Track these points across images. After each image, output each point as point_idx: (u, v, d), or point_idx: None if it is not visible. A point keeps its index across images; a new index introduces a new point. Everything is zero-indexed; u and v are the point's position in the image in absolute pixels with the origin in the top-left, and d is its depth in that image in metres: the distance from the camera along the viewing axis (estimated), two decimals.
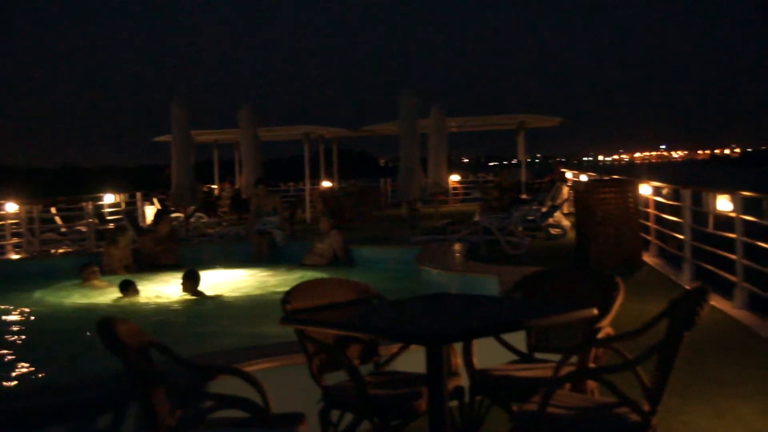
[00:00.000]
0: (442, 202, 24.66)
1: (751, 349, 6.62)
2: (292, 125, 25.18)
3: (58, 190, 36.53)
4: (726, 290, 8.55)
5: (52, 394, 4.34)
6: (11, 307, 10.19)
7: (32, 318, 9.79)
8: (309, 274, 10.59)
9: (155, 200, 20.71)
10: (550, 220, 15.60)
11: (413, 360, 4.15)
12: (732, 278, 8.40)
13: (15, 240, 16.16)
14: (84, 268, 11.08)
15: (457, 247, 11.63)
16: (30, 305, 10.27)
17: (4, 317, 9.88)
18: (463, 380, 4.21)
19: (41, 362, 7.45)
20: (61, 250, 16.17)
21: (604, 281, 4.22)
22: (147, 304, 9.97)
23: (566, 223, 16.00)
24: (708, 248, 9.62)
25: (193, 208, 17.35)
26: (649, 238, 12.44)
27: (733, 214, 8.53)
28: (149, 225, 15.72)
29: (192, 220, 17.48)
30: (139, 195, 20.58)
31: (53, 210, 18.90)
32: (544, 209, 15.74)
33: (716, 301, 8.34)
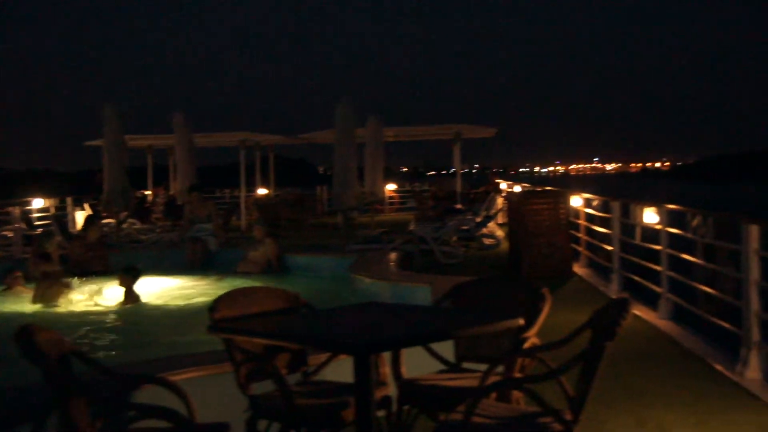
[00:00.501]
0: (378, 211, 24.71)
1: (674, 359, 6.77)
2: (229, 132, 25.00)
3: None
4: (652, 301, 8.75)
5: None
6: None
7: None
8: (242, 282, 10.52)
9: (86, 205, 20.28)
10: (484, 230, 15.76)
11: (342, 369, 4.15)
12: (657, 289, 8.60)
13: None
14: (7, 273, 10.81)
15: (391, 256, 11.67)
16: None
17: None
18: (391, 390, 4.22)
19: None
20: None
21: (532, 292, 4.28)
22: (73, 311, 9.75)
23: (500, 233, 16.18)
24: (635, 259, 9.84)
25: (125, 213, 17.05)
26: (579, 249, 12.67)
27: (659, 227, 8.73)
28: (79, 231, 15.38)
29: (124, 226, 17.18)
30: (69, 200, 20.13)
31: None
32: (478, 219, 15.89)
33: (642, 312, 8.53)
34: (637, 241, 9.64)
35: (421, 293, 7.86)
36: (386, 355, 4.27)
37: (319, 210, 27.63)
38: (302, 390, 4.22)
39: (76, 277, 11.72)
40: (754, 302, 6.17)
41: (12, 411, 4.03)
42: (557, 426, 3.43)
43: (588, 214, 12.56)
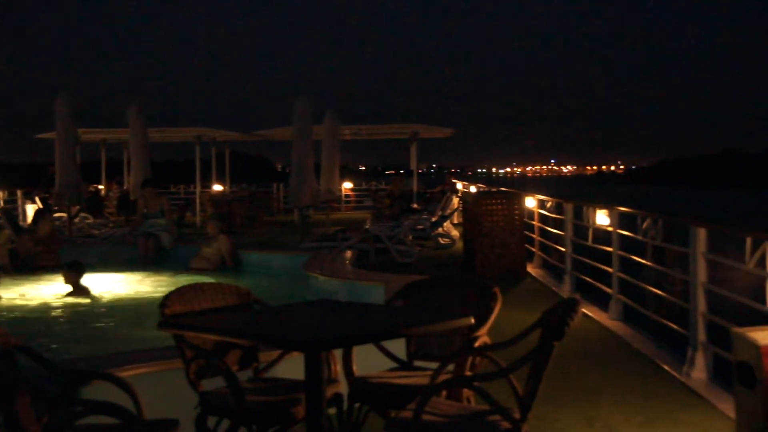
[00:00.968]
0: (335, 209, 24.68)
1: (623, 359, 6.87)
2: (185, 127, 24.77)
3: None
4: (603, 302, 8.86)
5: None
6: None
7: None
8: (195, 278, 10.43)
9: (37, 199, 19.94)
10: (440, 230, 15.83)
11: (294, 367, 4.14)
12: (608, 290, 8.72)
13: None
14: None
15: (346, 254, 11.67)
16: None
17: None
18: (343, 387, 4.23)
19: None
20: None
21: (483, 291, 4.31)
22: (22, 306, 9.60)
23: (455, 233, 16.27)
24: (587, 261, 9.96)
25: (77, 208, 16.78)
26: (533, 249, 12.79)
27: (610, 228, 8.85)
28: (29, 225, 15.12)
29: (76, 220, 16.92)
30: (20, 193, 19.78)
31: None
32: (434, 219, 15.96)
33: (593, 312, 8.64)
34: (590, 242, 9.76)
35: (375, 292, 7.87)
36: (338, 353, 4.27)
37: (275, 207, 27.50)
38: (253, 387, 4.21)
39: (25, 272, 11.54)
40: (701, 303, 6.28)
41: None
42: (506, 424, 3.46)
43: (542, 215, 12.69)
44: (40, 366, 3.64)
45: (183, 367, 4.03)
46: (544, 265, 12.40)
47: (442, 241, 15.72)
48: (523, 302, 9.21)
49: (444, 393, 3.94)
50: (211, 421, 4.03)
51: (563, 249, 10.79)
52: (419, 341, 4.56)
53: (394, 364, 4.54)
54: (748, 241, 5.55)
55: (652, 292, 7.84)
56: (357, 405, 4.23)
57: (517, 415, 3.46)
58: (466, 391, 4.02)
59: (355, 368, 4.32)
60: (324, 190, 16.23)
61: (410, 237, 14.53)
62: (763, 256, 5.37)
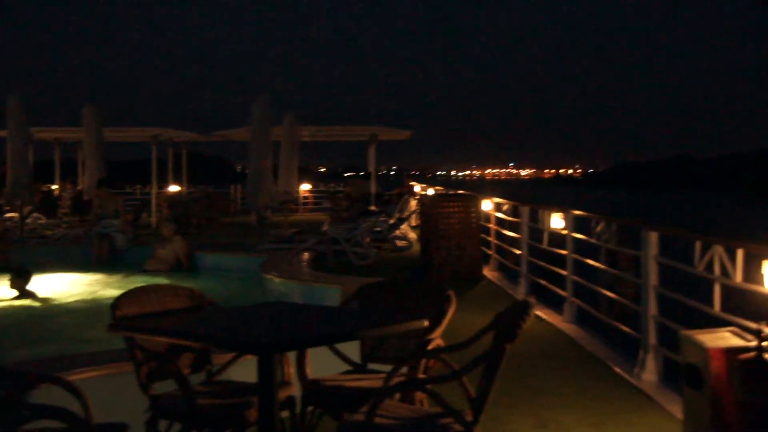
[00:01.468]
0: (292, 211, 24.56)
1: (576, 361, 6.94)
2: (141, 127, 24.49)
3: None
4: (557, 304, 8.95)
5: None
6: None
7: None
8: (149, 280, 10.32)
9: None
10: (397, 232, 15.86)
11: (248, 369, 4.11)
12: (562, 293, 8.80)
13: None
14: None
15: (303, 256, 11.64)
16: None
17: None
18: (296, 390, 4.21)
19: None
20: None
21: (438, 294, 4.33)
22: None
23: (412, 235, 16.31)
24: (542, 264, 10.05)
25: (29, 208, 16.52)
26: (489, 252, 12.86)
27: (564, 232, 8.93)
28: None
29: (29, 221, 16.64)
30: None
31: None
32: (391, 221, 15.98)
33: (547, 315, 8.72)
34: (545, 245, 9.85)
35: (332, 294, 7.85)
36: (291, 355, 4.25)
37: (232, 208, 27.30)
38: (205, 390, 4.17)
39: None
40: (652, 306, 6.38)
41: None
42: (458, 426, 3.47)
43: (498, 218, 12.77)
44: None
45: (134, 370, 3.98)
46: (500, 268, 12.48)
47: (399, 244, 15.75)
48: (479, 305, 9.26)
49: (397, 396, 3.95)
50: (163, 424, 3.98)
51: (519, 252, 10.88)
52: (373, 344, 4.56)
53: (348, 367, 4.53)
54: (698, 245, 5.64)
55: (605, 295, 7.93)
56: (310, 408, 4.21)
57: (469, 418, 3.47)
58: (419, 394, 4.03)
59: (308, 371, 4.30)
60: (282, 191, 16.17)
61: (368, 239, 14.54)
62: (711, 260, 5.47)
